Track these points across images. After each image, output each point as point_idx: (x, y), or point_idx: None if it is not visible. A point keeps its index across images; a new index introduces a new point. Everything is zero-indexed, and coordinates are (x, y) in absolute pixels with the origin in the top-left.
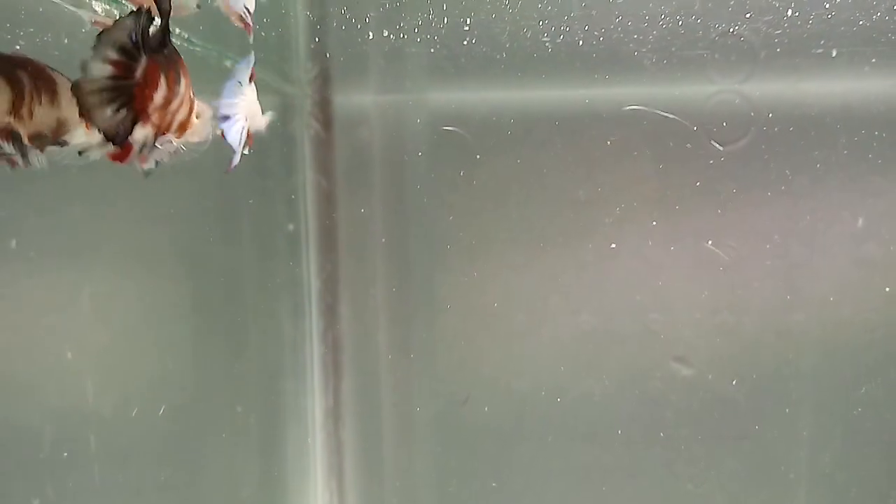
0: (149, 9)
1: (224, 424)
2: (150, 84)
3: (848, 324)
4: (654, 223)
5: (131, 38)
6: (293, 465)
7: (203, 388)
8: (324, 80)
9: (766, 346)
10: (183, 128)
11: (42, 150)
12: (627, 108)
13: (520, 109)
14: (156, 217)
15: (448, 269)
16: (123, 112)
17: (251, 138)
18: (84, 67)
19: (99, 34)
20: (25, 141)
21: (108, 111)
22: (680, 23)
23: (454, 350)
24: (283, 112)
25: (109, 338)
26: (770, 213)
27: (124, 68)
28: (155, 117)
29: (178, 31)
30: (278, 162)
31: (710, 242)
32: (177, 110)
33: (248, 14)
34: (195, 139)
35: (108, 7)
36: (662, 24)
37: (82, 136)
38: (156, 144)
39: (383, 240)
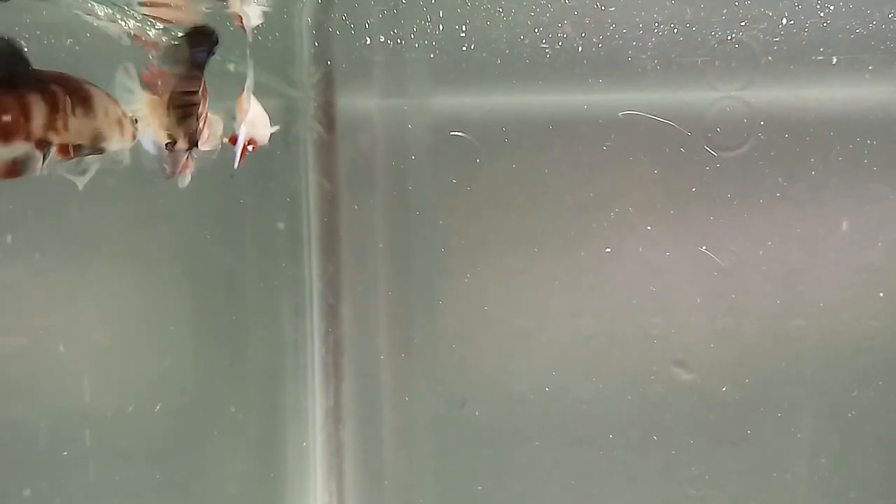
0: (214, 30)
1: (224, 425)
2: (204, 97)
3: (846, 329)
4: (649, 227)
5: (202, 56)
6: (293, 466)
7: (203, 388)
8: (327, 84)
9: (766, 351)
10: (201, 137)
11: (81, 158)
12: (623, 113)
13: (519, 114)
14: (157, 217)
15: (448, 272)
16: (194, 122)
17: (255, 144)
18: (171, 83)
19: (168, 50)
20: (58, 152)
21: (192, 122)
22: (676, 30)
23: (454, 352)
24: (287, 115)
25: (109, 338)
26: (769, 219)
27: (192, 82)
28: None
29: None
30: (281, 164)
31: (703, 248)
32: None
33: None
34: (206, 148)
35: (138, 24)
36: (659, 32)
37: (117, 143)
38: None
39: (385, 242)
